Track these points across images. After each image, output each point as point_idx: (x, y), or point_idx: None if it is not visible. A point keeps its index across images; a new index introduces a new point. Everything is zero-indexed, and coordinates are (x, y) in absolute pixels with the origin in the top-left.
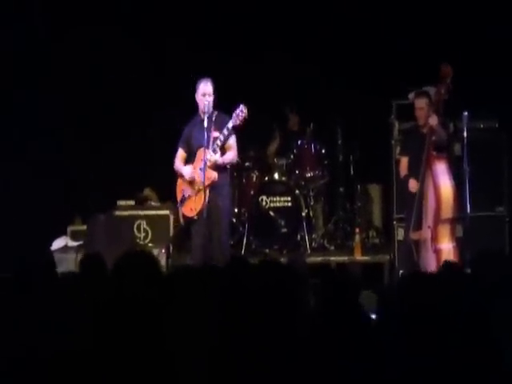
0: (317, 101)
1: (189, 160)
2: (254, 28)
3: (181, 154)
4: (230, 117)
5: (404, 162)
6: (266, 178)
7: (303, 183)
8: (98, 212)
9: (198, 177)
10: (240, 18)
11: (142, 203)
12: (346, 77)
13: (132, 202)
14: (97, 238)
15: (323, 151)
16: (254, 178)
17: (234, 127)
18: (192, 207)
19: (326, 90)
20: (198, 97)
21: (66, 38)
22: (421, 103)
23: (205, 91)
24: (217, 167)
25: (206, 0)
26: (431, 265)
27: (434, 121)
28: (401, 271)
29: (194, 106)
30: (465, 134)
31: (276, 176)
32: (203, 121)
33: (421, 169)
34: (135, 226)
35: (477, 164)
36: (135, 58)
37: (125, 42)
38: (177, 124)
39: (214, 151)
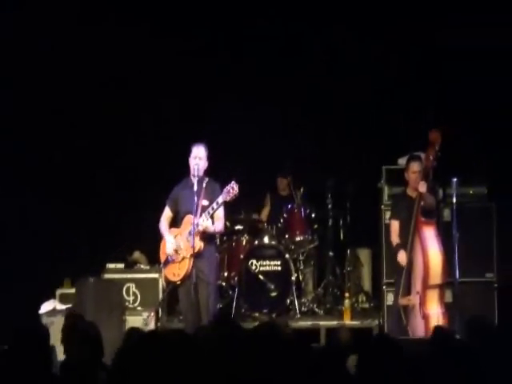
0: (307, 166)
1: (174, 222)
2: (245, 89)
3: (167, 213)
4: (221, 187)
5: (395, 225)
6: (256, 242)
7: (293, 247)
8: (88, 275)
9: (186, 243)
10: (231, 76)
11: (131, 266)
12: (335, 142)
13: (121, 265)
14: (86, 301)
15: (313, 215)
16: (244, 242)
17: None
18: (175, 272)
19: (317, 155)
20: (190, 159)
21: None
22: (416, 167)
23: (196, 154)
24: (204, 235)
25: (196, 65)
26: (419, 331)
27: (422, 187)
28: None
29: (185, 171)
30: (454, 199)
31: (266, 240)
32: (193, 185)
33: (409, 235)
34: (124, 289)
35: (466, 229)
36: (130, 117)
37: (119, 102)
38: (167, 189)
39: (207, 218)
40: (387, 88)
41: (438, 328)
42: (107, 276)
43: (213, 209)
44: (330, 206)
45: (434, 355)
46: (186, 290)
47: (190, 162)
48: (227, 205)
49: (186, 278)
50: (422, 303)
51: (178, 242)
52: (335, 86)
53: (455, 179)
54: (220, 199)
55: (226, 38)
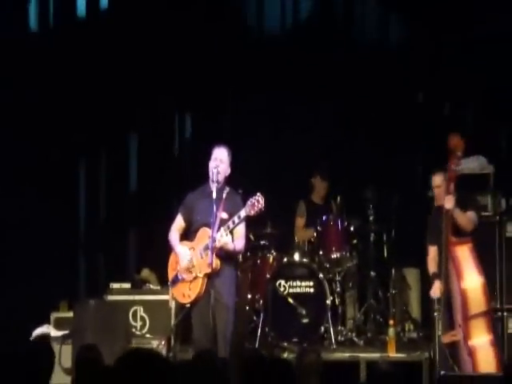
0: (345, 170)
1: (186, 234)
2: (277, 91)
3: (179, 223)
4: (243, 200)
5: (432, 252)
6: (285, 260)
7: (328, 266)
8: (88, 296)
9: (199, 260)
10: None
11: (139, 286)
12: (378, 143)
13: (127, 285)
14: (86, 327)
15: (352, 229)
16: (271, 259)
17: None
18: (185, 293)
19: (357, 159)
20: (210, 163)
21: None
22: (437, 180)
23: (216, 156)
24: (222, 251)
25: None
26: (467, 371)
27: (449, 203)
28: (442, 372)
29: (192, 185)
30: None
31: (296, 257)
32: (211, 193)
33: (442, 262)
34: (131, 313)
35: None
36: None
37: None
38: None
39: (226, 234)
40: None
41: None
42: (111, 298)
43: (234, 223)
44: (371, 219)
45: None
46: (199, 314)
47: (210, 166)
48: (250, 218)
49: (199, 300)
50: (466, 337)
51: (190, 261)
52: (381, 82)
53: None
54: (243, 213)
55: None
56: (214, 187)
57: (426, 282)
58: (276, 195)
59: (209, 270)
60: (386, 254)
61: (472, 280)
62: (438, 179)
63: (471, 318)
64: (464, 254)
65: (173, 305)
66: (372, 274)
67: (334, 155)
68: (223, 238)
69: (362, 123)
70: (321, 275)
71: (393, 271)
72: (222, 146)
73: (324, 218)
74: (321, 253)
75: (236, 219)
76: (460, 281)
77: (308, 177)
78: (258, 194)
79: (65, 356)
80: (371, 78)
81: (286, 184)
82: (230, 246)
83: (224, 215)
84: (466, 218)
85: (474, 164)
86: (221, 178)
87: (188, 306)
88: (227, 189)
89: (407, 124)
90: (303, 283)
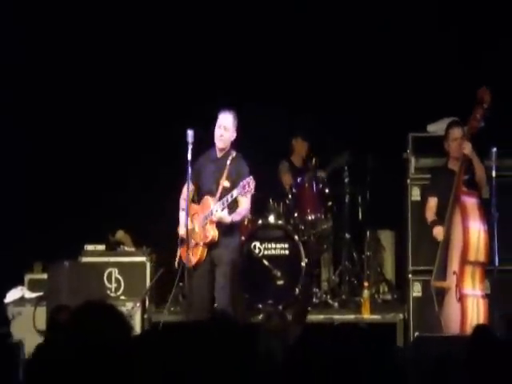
0: (320, 132)
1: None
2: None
3: (191, 187)
4: (248, 167)
5: (432, 202)
6: (260, 222)
7: (303, 228)
8: (62, 258)
9: (200, 228)
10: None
11: (113, 248)
12: (353, 105)
13: (102, 247)
14: (60, 288)
15: (327, 191)
16: (246, 221)
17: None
18: (188, 257)
19: (331, 120)
20: (215, 129)
21: None
22: (458, 132)
23: (221, 123)
24: (222, 224)
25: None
26: (453, 317)
27: (468, 148)
28: (416, 333)
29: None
30: (494, 173)
31: (271, 219)
32: (216, 159)
33: (448, 208)
34: (105, 275)
35: (507, 209)
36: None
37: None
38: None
39: (222, 208)
40: (414, 43)
41: (479, 327)
42: (85, 259)
43: (227, 201)
44: (346, 181)
45: (472, 358)
46: (197, 284)
47: (215, 133)
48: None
49: (200, 266)
50: (459, 283)
51: (194, 224)
52: (353, 43)
53: (495, 149)
54: (235, 193)
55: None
56: (219, 154)
57: (400, 244)
58: (251, 158)
59: (207, 241)
60: (360, 216)
61: (476, 228)
62: (457, 132)
63: (469, 264)
64: (472, 205)
65: (148, 267)
66: (347, 236)
67: (311, 118)
68: (218, 213)
69: (339, 86)
70: (296, 237)
71: (367, 233)
72: (228, 112)
73: (299, 179)
74: (296, 215)
75: (229, 198)
76: (464, 227)
77: (285, 141)
78: (251, 177)
79: (39, 318)
80: (346, 42)
81: (261, 148)
82: (226, 220)
83: (226, 184)
84: (482, 167)
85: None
86: (225, 145)
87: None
88: (233, 154)
89: (382, 86)
90: (278, 245)
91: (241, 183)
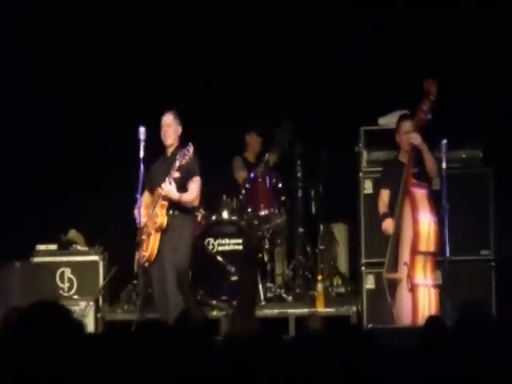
0: (273, 127)
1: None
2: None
3: (147, 196)
4: (200, 161)
5: (384, 195)
6: (214, 218)
7: (256, 223)
8: (13, 258)
9: (150, 218)
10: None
11: (66, 247)
12: (304, 99)
13: (54, 247)
14: (12, 289)
15: (280, 185)
16: (199, 217)
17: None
18: (142, 254)
19: (283, 114)
20: (161, 132)
21: None
22: (408, 126)
23: (163, 122)
24: (171, 206)
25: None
26: (405, 306)
27: (417, 139)
28: (369, 325)
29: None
30: (444, 165)
31: (225, 215)
32: (167, 157)
33: (398, 200)
34: (58, 274)
35: (458, 200)
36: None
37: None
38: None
39: (169, 182)
40: (363, 37)
41: (431, 317)
42: (37, 259)
43: (172, 175)
44: (299, 175)
45: (425, 348)
46: (155, 272)
47: (161, 134)
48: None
49: (154, 259)
50: (410, 273)
51: (147, 219)
52: (303, 36)
53: (445, 141)
54: (177, 163)
55: None
56: (169, 151)
57: (353, 237)
58: (204, 153)
59: (156, 226)
60: (314, 210)
61: (426, 219)
62: (408, 125)
63: (419, 254)
64: (421, 196)
65: (100, 266)
66: (300, 230)
67: (263, 113)
68: (166, 186)
69: (290, 80)
70: (249, 232)
71: (321, 227)
72: (167, 112)
73: (252, 175)
74: (249, 210)
75: (173, 172)
76: (414, 219)
77: (238, 136)
78: (190, 143)
79: None
80: (296, 35)
81: (215, 142)
82: (174, 194)
83: (177, 174)
84: (432, 159)
85: (394, 118)
86: (172, 140)
87: (146, 264)
88: (183, 149)
89: (333, 80)
90: (232, 241)
91: (180, 152)
